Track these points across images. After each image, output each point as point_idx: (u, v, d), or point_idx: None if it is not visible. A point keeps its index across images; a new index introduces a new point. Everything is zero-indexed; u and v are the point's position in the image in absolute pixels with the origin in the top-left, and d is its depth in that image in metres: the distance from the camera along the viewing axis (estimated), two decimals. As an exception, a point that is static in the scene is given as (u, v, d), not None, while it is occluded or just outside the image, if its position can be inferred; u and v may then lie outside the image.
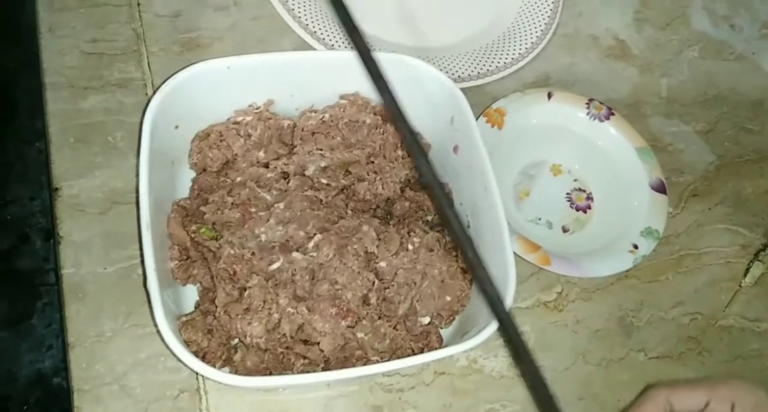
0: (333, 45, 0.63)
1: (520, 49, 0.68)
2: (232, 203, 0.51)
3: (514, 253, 0.49)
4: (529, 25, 0.70)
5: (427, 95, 0.55)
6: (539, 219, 0.61)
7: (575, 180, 0.64)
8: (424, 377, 0.54)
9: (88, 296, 0.52)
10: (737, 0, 0.80)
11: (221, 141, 0.54)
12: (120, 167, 0.56)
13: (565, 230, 0.61)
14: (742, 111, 0.73)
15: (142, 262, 0.51)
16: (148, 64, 0.61)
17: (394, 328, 0.49)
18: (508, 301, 0.46)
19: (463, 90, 0.53)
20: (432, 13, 0.70)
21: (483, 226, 0.52)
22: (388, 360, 0.49)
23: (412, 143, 0.31)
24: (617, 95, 0.70)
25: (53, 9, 0.61)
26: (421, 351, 0.50)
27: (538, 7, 0.71)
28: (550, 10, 0.71)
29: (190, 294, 0.51)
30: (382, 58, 0.53)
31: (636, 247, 0.58)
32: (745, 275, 0.64)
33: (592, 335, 0.58)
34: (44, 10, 0.61)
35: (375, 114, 0.55)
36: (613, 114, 0.64)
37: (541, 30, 0.69)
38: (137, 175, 0.46)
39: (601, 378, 0.57)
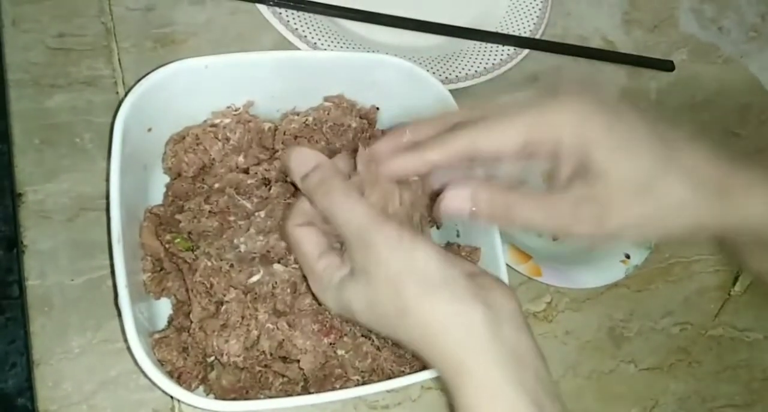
0: (315, 43, 0.60)
1: (509, 49, 0.66)
2: (209, 211, 0.48)
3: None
4: (518, 25, 0.68)
5: (415, 98, 0.52)
6: (528, 226, 0.59)
7: (565, 186, 0.62)
8: (410, 392, 0.52)
9: (55, 309, 0.48)
10: (725, 2, 0.79)
11: (197, 144, 0.51)
12: (88, 171, 0.53)
13: (555, 237, 0.59)
14: (730, 115, 0.72)
15: (113, 272, 0.48)
16: (119, 60, 0.58)
17: (378, 348, 0.47)
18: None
19: (449, 92, 0.51)
20: (417, 11, 0.67)
21: (474, 234, 0.50)
22: (369, 379, 0.47)
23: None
24: (606, 98, 0.69)
25: (17, 1, 0.57)
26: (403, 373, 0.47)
27: (526, 6, 0.69)
28: (539, 9, 0.69)
29: (164, 307, 0.48)
30: (370, 59, 0.52)
31: (628, 257, 0.57)
32: (734, 284, 0.63)
33: (581, 346, 0.57)
34: (7, 1, 0.57)
35: (360, 117, 0.53)
36: (603, 118, 0.63)
37: (530, 30, 0.67)
38: (107, 180, 0.43)
39: (592, 391, 0.55)
